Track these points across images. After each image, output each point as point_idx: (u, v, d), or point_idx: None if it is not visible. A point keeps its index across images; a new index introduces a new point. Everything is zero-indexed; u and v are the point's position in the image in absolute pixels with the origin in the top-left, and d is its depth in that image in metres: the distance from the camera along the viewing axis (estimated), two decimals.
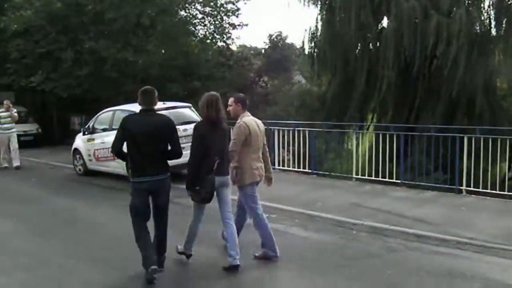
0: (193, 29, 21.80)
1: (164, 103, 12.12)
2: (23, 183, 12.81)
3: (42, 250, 7.03)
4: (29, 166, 15.42)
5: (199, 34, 22.42)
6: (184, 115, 12.21)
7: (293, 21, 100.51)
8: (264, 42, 68.41)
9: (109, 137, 11.45)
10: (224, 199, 6.20)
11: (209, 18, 21.99)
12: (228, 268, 6.00)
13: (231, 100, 6.44)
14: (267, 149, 6.73)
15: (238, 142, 6.12)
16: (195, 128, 6.11)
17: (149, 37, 19.15)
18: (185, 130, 11.45)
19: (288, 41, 58.43)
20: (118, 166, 11.75)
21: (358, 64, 18.89)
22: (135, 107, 11.88)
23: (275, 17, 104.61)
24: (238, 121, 6.28)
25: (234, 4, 21.48)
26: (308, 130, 12.64)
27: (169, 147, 5.92)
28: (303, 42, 22.99)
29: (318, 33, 21.20)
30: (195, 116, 12.34)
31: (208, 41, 22.64)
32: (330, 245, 7.00)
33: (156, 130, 5.76)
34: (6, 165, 15.12)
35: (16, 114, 15.40)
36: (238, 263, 5.99)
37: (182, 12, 21.30)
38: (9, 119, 15.02)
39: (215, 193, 6.01)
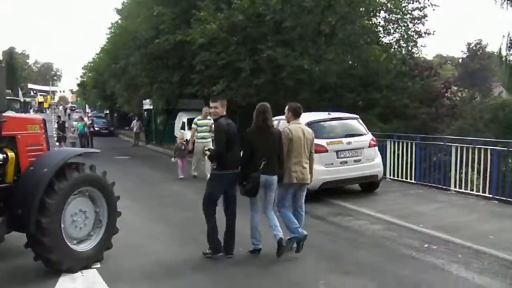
0: (376, 37, 20.83)
1: (329, 113, 11.56)
2: (187, 189, 13.08)
3: (176, 259, 6.87)
4: (201, 174, 15.74)
5: (383, 42, 21.41)
6: (350, 127, 11.38)
7: (491, 28, 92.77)
8: (462, 51, 64.41)
9: None
10: (267, 196, 6.90)
11: (394, 25, 20.85)
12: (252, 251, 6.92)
13: (286, 108, 7.30)
14: (313, 157, 7.32)
15: (283, 145, 6.90)
16: (244, 133, 7.00)
17: (329, 46, 18.72)
18: (349, 143, 10.78)
19: (488, 49, 54.25)
20: None
21: None
22: (307, 116, 11.53)
23: (471, 24, 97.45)
24: (285, 127, 7.14)
25: (421, 10, 20.04)
26: (491, 148, 10.95)
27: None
28: (499, 49, 20.87)
29: None
30: (362, 129, 11.45)
31: (392, 49, 21.52)
32: None
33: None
34: (195, 174, 14.74)
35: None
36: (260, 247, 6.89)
37: (365, 20, 20.46)
38: (206, 127, 14.16)
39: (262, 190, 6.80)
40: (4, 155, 6.00)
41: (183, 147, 15.45)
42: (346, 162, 10.66)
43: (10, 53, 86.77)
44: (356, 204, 10.17)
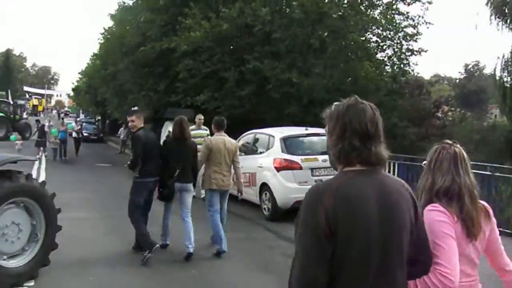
0: (367, 53, 20.38)
1: (306, 129, 11.06)
2: (160, 204, 12.49)
3: (120, 280, 6.33)
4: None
5: (375, 58, 20.97)
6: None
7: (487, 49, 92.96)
8: (459, 72, 64.30)
9: (247, 161, 10.64)
10: (183, 201, 7.49)
11: (387, 42, 20.43)
12: (186, 256, 7.18)
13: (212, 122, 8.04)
14: (238, 166, 7.93)
15: (202, 154, 7.57)
16: (163, 143, 7.82)
17: (318, 59, 18.26)
18: (325, 161, 10.20)
19: (486, 71, 53.99)
20: (253, 194, 10.88)
21: None
22: (282, 131, 11.05)
23: (468, 45, 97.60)
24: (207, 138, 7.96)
25: (414, 28, 19.63)
26: (475, 172, 10.41)
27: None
28: (494, 70, 20.59)
29: None
30: None
31: (387, 66, 21.11)
32: None
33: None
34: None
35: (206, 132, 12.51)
36: (191, 251, 7.19)
37: (357, 35, 20.03)
38: (201, 139, 11.42)
39: (178, 195, 7.45)
40: None
41: None
42: (322, 180, 10.07)
43: (6, 55, 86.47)
44: None
